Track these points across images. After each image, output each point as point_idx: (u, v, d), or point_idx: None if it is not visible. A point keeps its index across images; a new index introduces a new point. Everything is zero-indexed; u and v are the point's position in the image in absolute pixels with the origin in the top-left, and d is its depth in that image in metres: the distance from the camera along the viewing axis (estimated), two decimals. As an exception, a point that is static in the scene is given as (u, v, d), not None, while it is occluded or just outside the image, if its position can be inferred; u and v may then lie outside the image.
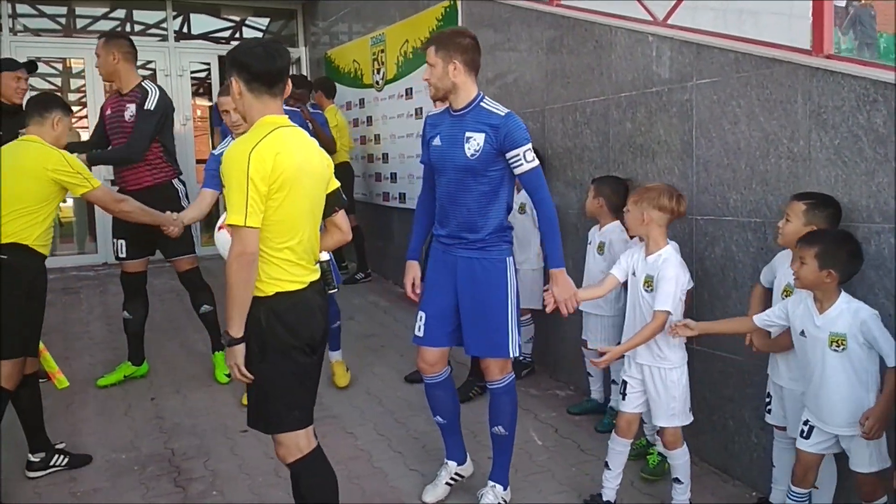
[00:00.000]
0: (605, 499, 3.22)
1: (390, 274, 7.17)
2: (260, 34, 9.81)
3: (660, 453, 3.60)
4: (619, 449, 3.22)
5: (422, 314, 3.30)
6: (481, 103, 3.09)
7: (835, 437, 2.70)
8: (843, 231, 2.81)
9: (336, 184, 2.77)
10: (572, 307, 3.09)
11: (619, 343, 3.92)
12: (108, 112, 4.48)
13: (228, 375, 4.51)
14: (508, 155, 3.03)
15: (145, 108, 4.32)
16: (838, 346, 2.63)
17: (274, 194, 2.42)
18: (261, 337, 2.49)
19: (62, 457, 3.64)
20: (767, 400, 3.12)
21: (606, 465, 3.25)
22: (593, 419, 4.12)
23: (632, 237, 3.52)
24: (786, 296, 2.92)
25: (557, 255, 3.07)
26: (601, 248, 4.03)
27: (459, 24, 5.57)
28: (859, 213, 2.90)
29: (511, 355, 3.14)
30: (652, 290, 3.13)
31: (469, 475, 3.40)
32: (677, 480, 3.18)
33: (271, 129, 2.48)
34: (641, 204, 3.16)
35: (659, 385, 3.13)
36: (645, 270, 3.18)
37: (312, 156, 2.60)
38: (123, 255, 4.53)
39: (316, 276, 2.64)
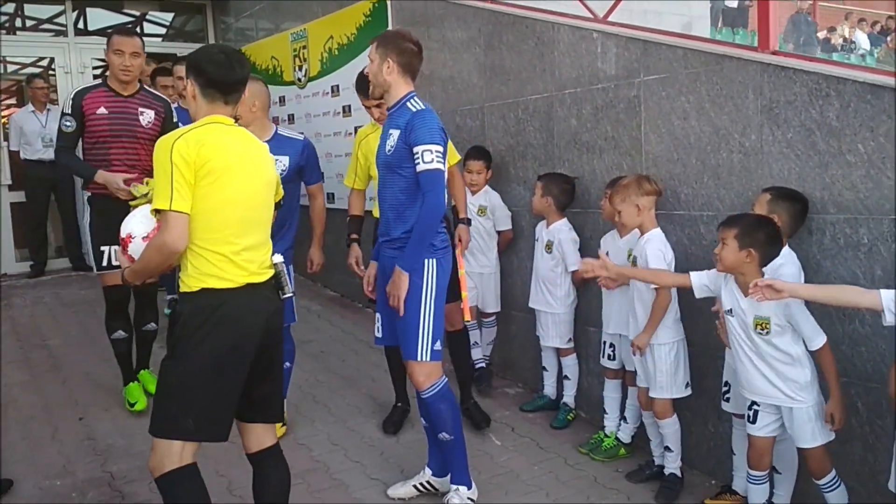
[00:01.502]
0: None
1: (319, 277, 6.97)
2: (163, 29, 9.36)
3: (618, 438, 3.72)
4: (648, 423, 3.53)
5: (378, 315, 3.32)
6: (407, 102, 3.07)
7: (780, 419, 2.79)
8: (762, 216, 2.88)
9: (280, 194, 2.77)
10: (399, 302, 3.02)
11: (570, 339, 4.02)
12: (102, 111, 4.02)
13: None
14: (412, 152, 2.99)
15: (175, 120, 4.21)
16: (762, 330, 2.76)
17: (201, 181, 2.37)
18: (177, 331, 2.43)
19: (-16, 487, 3.35)
20: (725, 388, 3.20)
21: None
22: (547, 416, 4.12)
23: (623, 234, 3.61)
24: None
25: (409, 259, 3.00)
26: (549, 246, 4.02)
27: (389, 19, 5.47)
28: (813, 204, 2.99)
29: (419, 359, 3.06)
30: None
31: (443, 492, 3.28)
32: (668, 449, 3.38)
33: (206, 122, 2.49)
34: (630, 198, 3.29)
35: (648, 360, 3.34)
36: (635, 252, 3.37)
37: (252, 152, 2.56)
38: (115, 264, 3.82)
39: (258, 278, 2.52)
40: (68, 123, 4.00)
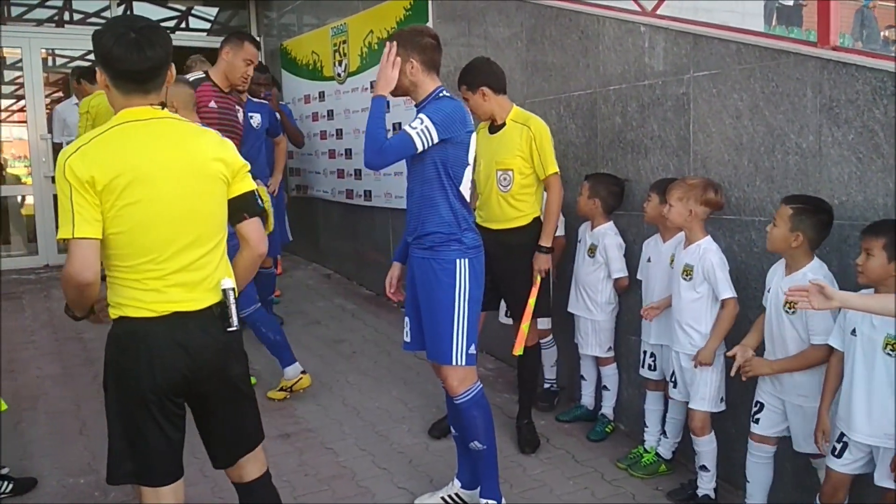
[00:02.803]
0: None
1: (354, 275, 6.90)
2: (208, 24, 9.38)
3: (658, 454, 3.52)
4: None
5: (406, 319, 3.18)
6: (439, 94, 2.94)
7: (870, 456, 2.53)
8: None
9: (246, 186, 2.27)
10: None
11: (610, 347, 3.86)
12: (213, 105, 4.09)
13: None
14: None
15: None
16: (893, 351, 2.45)
17: (106, 202, 2.02)
18: (105, 369, 2.17)
19: (6, 483, 3.29)
20: (756, 408, 2.97)
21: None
22: (584, 427, 3.95)
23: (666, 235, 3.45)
24: (686, 276, 2.98)
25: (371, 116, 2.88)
26: (592, 250, 3.85)
27: (430, 14, 5.34)
28: (875, 211, 2.77)
29: (454, 363, 2.92)
30: (691, 278, 3.13)
31: None
32: (704, 468, 3.20)
33: (115, 124, 2.10)
34: (689, 200, 3.14)
35: (690, 371, 3.17)
36: (684, 260, 3.20)
37: (178, 149, 2.12)
38: None
39: (192, 305, 2.14)
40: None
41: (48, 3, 8.42)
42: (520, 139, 3.53)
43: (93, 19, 8.52)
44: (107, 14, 8.32)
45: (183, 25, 9.17)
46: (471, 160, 2.96)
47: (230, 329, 2.21)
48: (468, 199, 3.00)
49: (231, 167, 2.23)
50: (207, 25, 9.38)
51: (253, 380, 3.10)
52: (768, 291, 2.89)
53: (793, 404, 2.82)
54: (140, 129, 2.10)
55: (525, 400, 3.81)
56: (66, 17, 8.53)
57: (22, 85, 8.49)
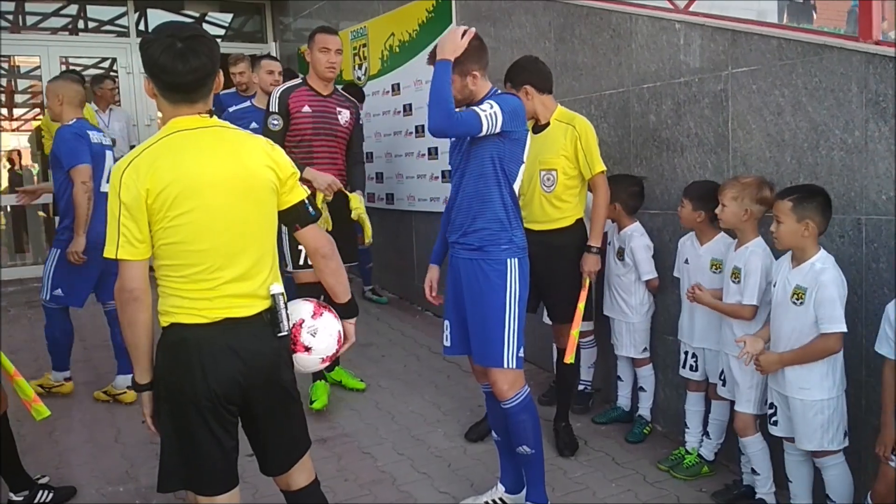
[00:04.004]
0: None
1: (378, 278, 6.87)
2: (222, 30, 9.39)
3: (700, 455, 3.48)
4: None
5: (446, 322, 3.13)
6: (496, 93, 2.92)
7: None
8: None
9: (296, 197, 2.27)
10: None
11: (645, 348, 3.83)
12: (306, 109, 4.02)
13: (361, 380, 4.42)
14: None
15: (360, 121, 4.22)
16: None
17: (156, 215, 2.03)
18: (155, 379, 2.16)
19: (46, 492, 3.27)
20: (771, 410, 2.93)
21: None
22: (622, 428, 3.91)
23: (725, 230, 3.35)
24: (797, 299, 2.74)
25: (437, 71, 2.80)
26: (620, 253, 3.81)
27: (453, 15, 5.32)
28: (925, 206, 2.74)
29: (506, 366, 2.88)
30: (738, 280, 3.05)
31: None
32: (754, 472, 3.12)
33: (165, 134, 2.09)
34: (744, 200, 3.04)
35: (736, 372, 3.10)
36: (733, 262, 3.11)
37: (225, 163, 2.10)
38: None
39: (243, 311, 2.13)
40: (276, 122, 3.98)
41: (63, 12, 8.45)
42: (564, 139, 3.50)
43: (107, 27, 8.56)
44: (122, 21, 8.34)
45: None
46: (525, 158, 2.92)
47: (280, 335, 2.20)
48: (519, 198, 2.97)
49: (281, 174, 2.21)
50: (222, 32, 9.39)
51: None
52: (774, 286, 2.87)
53: (795, 399, 2.77)
54: (189, 138, 2.10)
55: (564, 403, 3.78)
56: (81, 24, 8.55)
57: (38, 93, 8.54)
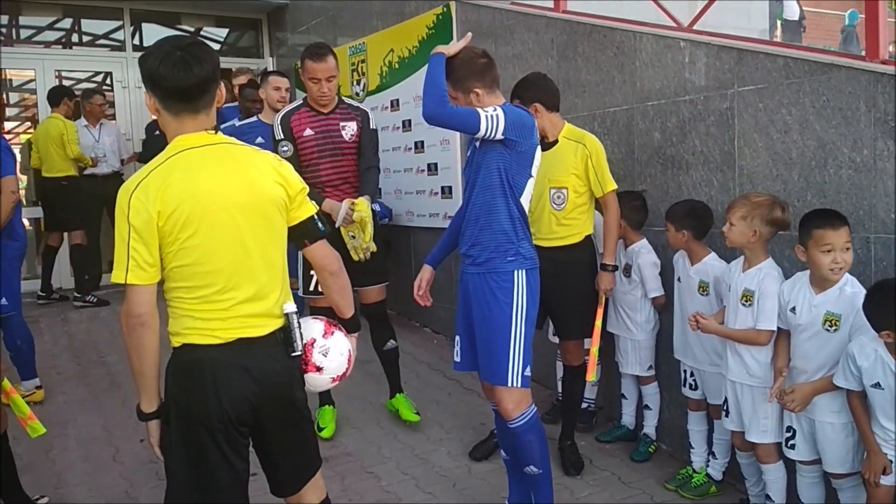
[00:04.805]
0: None
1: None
2: (217, 45, 9.37)
3: (708, 474, 3.45)
4: (744, 462, 3.23)
5: (457, 338, 3.11)
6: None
7: None
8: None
9: (305, 213, 2.23)
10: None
11: (650, 366, 3.79)
12: (308, 133, 3.92)
13: (417, 413, 4.17)
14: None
15: (371, 127, 4.04)
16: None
17: (167, 237, 2.00)
18: (165, 402, 2.11)
19: (46, 513, 3.22)
20: (789, 434, 2.90)
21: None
22: (626, 447, 3.88)
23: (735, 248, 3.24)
24: (829, 326, 2.71)
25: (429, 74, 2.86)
26: (627, 270, 3.79)
27: (454, 32, 5.32)
28: (936, 225, 2.74)
29: (510, 385, 2.84)
30: (750, 304, 2.96)
31: None
32: (769, 498, 3.05)
33: (172, 153, 2.06)
34: (754, 220, 2.95)
35: (747, 403, 3.01)
36: (743, 284, 3.00)
37: (235, 182, 2.07)
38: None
39: (257, 331, 2.10)
40: (286, 148, 3.87)
41: (57, 26, 8.41)
42: (574, 157, 3.49)
43: (102, 41, 8.52)
44: (117, 35, 8.31)
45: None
46: (534, 173, 2.90)
47: (294, 354, 2.17)
48: (527, 212, 2.95)
49: (290, 190, 2.19)
50: (217, 46, 9.37)
51: None
52: (792, 311, 2.82)
53: (825, 423, 2.74)
54: (197, 156, 2.06)
55: (569, 421, 3.75)
56: (75, 38, 8.52)
57: (31, 106, 8.49)
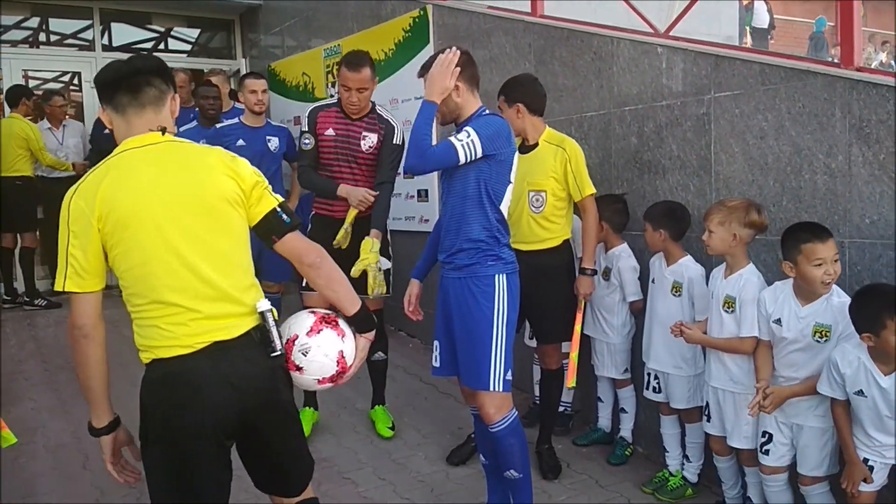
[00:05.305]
0: None
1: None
2: (188, 45, 9.26)
3: (684, 477, 3.46)
4: (722, 466, 3.24)
5: (436, 343, 3.10)
6: (482, 114, 2.91)
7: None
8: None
9: (266, 206, 2.10)
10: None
11: (626, 369, 3.81)
12: (329, 132, 3.91)
13: (391, 428, 4.10)
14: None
15: (395, 142, 3.96)
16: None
17: (108, 240, 1.93)
18: (142, 422, 2.01)
19: (13, 522, 3.14)
20: (764, 439, 2.91)
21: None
22: (603, 450, 3.89)
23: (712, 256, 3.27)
24: (820, 337, 2.72)
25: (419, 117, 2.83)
26: (606, 273, 3.80)
27: (431, 34, 5.31)
28: (910, 231, 2.78)
29: (492, 389, 2.83)
30: (733, 310, 2.97)
31: None
32: (749, 500, 3.09)
33: (113, 155, 2.01)
34: (731, 224, 2.98)
35: (729, 408, 3.03)
36: (725, 290, 3.02)
37: (175, 178, 1.99)
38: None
39: (228, 333, 2.00)
40: (307, 141, 3.89)
41: (25, 24, 8.25)
42: (554, 161, 3.49)
43: (70, 40, 8.38)
44: (86, 35, 8.17)
45: (161, 47, 9.03)
46: (513, 178, 2.90)
47: (274, 354, 2.07)
48: (506, 218, 2.94)
49: (244, 184, 2.07)
50: (188, 47, 9.26)
51: None
52: (776, 322, 2.82)
53: (812, 427, 2.76)
54: (137, 156, 1.99)
55: (547, 425, 3.74)
56: (43, 37, 8.36)
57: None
